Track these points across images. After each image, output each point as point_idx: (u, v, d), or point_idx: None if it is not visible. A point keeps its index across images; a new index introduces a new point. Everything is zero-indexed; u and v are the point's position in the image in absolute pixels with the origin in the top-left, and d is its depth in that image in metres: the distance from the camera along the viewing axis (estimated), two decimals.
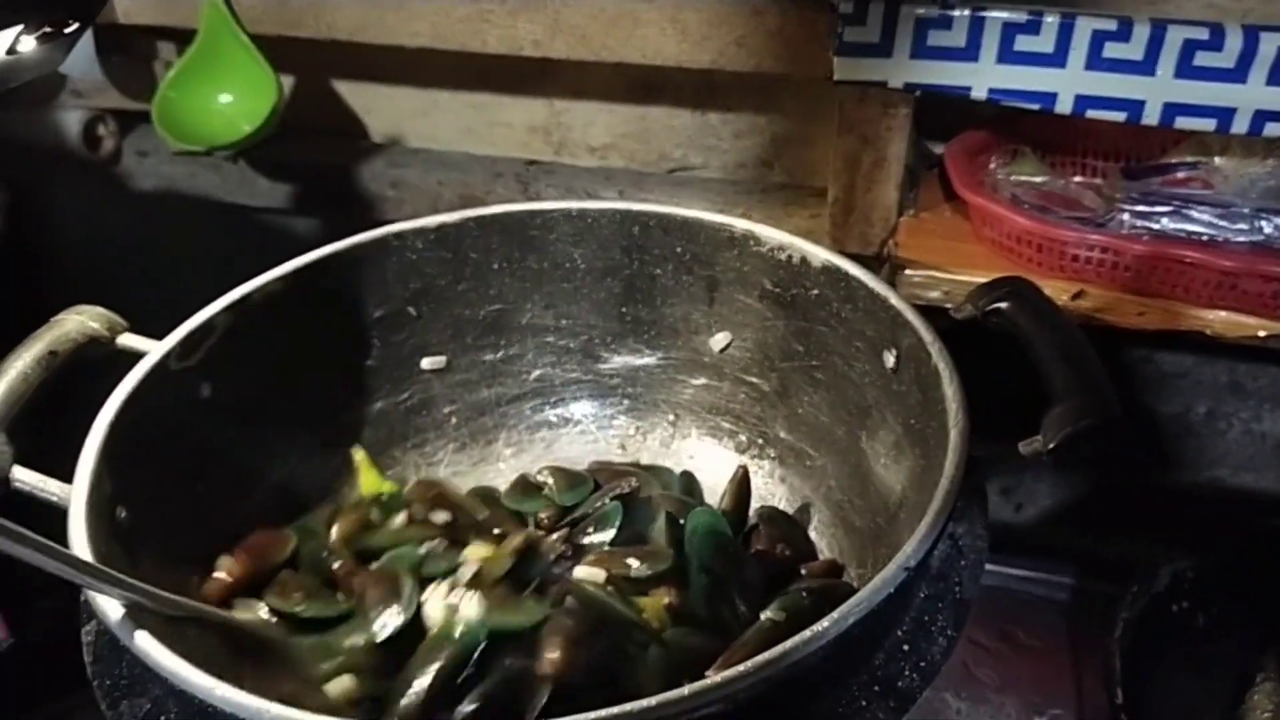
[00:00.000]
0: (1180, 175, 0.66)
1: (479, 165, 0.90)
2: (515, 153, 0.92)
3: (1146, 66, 0.61)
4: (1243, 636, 0.61)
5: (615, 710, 0.33)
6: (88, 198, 1.03)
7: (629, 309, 0.71)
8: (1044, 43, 0.61)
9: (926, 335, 0.52)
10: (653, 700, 0.33)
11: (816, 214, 0.79)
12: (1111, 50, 0.61)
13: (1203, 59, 0.59)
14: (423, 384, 0.71)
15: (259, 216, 1.01)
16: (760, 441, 0.69)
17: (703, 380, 0.71)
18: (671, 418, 0.72)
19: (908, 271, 0.70)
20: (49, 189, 1.03)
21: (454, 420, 0.72)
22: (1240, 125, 0.61)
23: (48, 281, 0.95)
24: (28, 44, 0.67)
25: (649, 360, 0.72)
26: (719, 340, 0.69)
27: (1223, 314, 0.64)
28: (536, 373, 0.73)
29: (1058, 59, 0.62)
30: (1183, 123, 0.62)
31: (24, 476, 0.47)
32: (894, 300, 0.56)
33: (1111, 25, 0.60)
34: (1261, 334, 0.63)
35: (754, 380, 0.68)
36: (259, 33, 0.80)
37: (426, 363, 0.70)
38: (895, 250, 0.73)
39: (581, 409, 0.73)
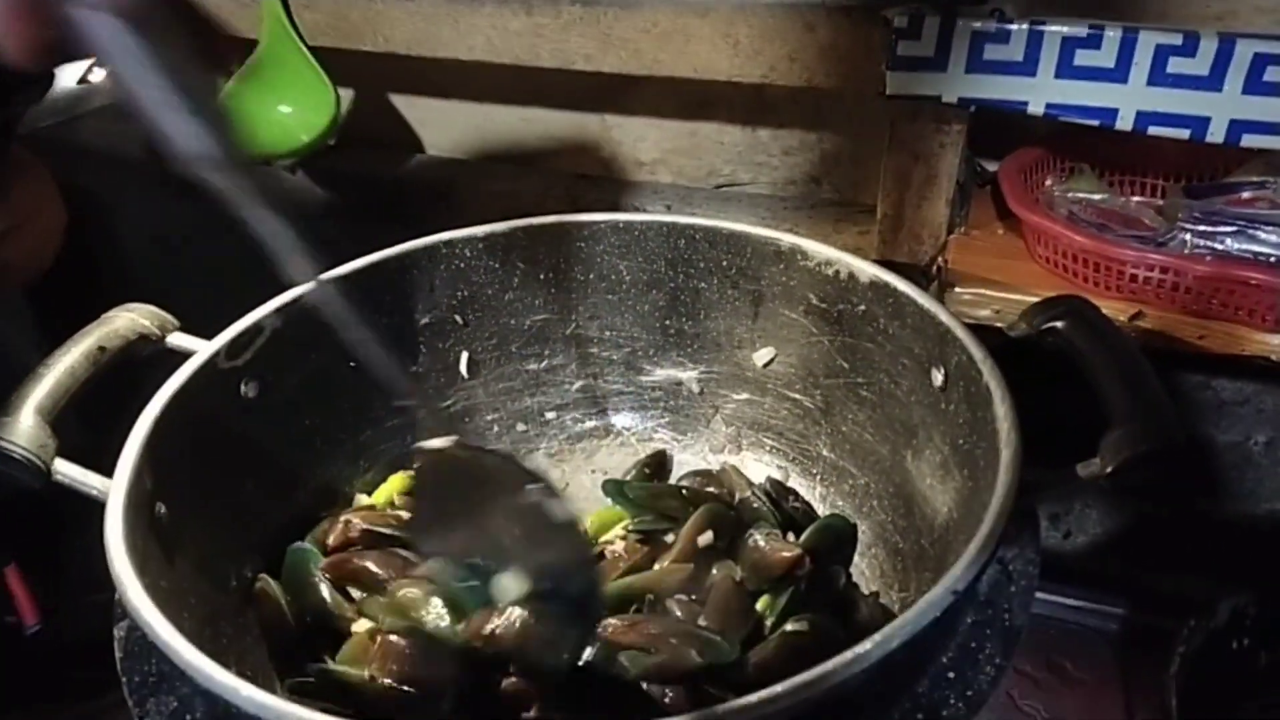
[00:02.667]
0: (1245, 195, 0.64)
1: (528, 178, 0.91)
2: (565, 166, 0.92)
3: (1213, 82, 0.59)
4: None
5: None
6: (151, 202, 1.05)
7: (673, 322, 0.71)
8: (1105, 57, 0.60)
9: (977, 353, 0.51)
10: (686, 718, 0.33)
11: (865, 231, 0.78)
12: (1176, 65, 0.59)
13: (1274, 74, 0.57)
14: (466, 390, 0.71)
15: (315, 225, 1.03)
16: (802, 459, 0.68)
17: (745, 395, 0.70)
18: (712, 433, 0.71)
19: (957, 289, 0.68)
20: (114, 193, 1.06)
21: (496, 428, 0.72)
22: None
23: (110, 283, 0.97)
24: (99, 74, 0.69)
25: (691, 374, 0.71)
26: (763, 355, 0.68)
27: None
28: (579, 383, 0.73)
29: (1119, 74, 0.60)
30: (1250, 140, 0.59)
31: (66, 469, 0.47)
32: (943, 317, 0.54)
33: (1176, 39, 0.58)
34: None
35: (797, 396, 0.67)
36: (318, 45, 0.81)
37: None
38: (945, 268, 0.71)
39: (623, 420, 0.73)
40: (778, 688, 0.33)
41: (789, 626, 0.51)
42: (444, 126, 0.94)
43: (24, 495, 0.47)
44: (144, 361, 0.57)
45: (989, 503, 0.42)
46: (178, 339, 0.57)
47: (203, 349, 0.55)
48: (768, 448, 0.70)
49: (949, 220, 0.72)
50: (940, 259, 0.72)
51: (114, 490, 0.45)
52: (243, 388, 0.57)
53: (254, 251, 1.01)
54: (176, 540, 0.49)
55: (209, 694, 0.39)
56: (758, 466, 0.69)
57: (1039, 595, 0.71)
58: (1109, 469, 0.42)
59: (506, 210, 0.88)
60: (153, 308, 0.57)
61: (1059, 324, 0.51)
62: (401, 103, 0.94)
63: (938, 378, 0.55)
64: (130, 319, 0.55)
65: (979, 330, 0.54)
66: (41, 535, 0.86)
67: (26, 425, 0.47)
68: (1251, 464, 0.86)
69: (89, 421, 0.53)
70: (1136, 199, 0.67)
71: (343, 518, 0.60)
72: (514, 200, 0.88)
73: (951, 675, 0.40)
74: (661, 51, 0.71)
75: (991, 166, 0.77)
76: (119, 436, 0.49)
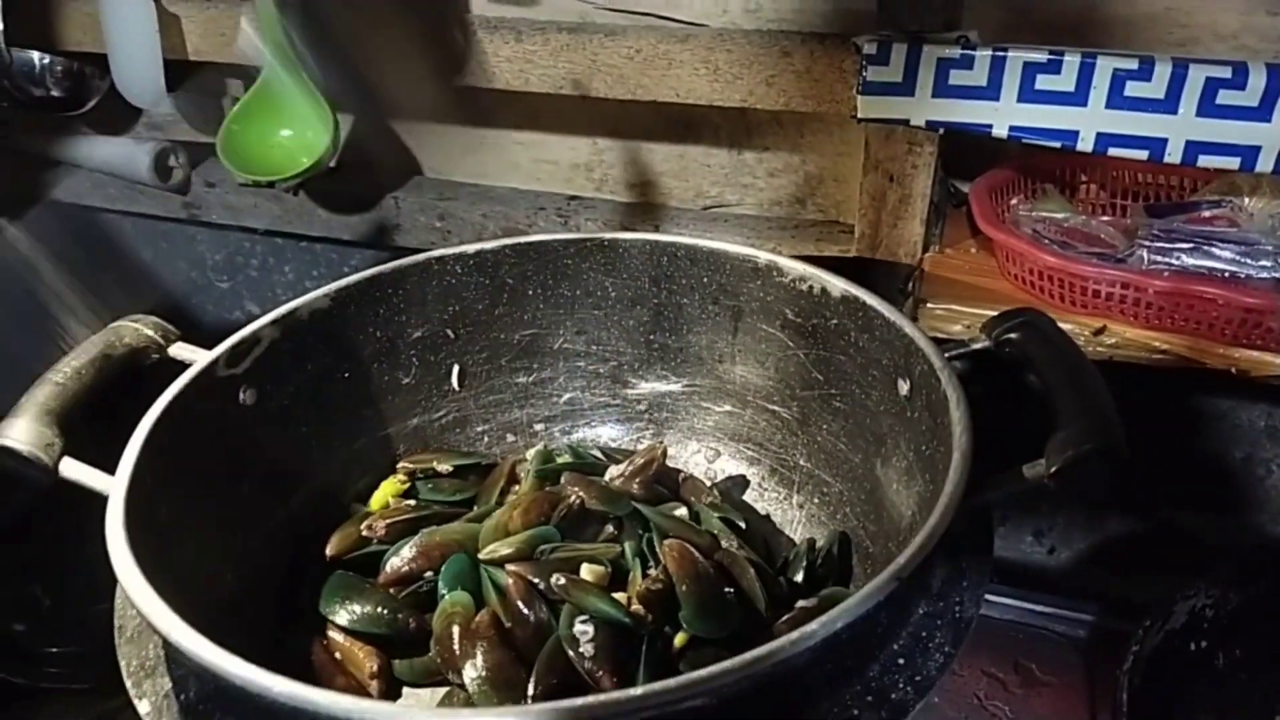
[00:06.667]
0: (1205, 214, 0.66)
1: (523, 199, 0.94)
2: (559, 188, 0.95)
3: (1169, 105, 0.61)
4: (1266, 678, 0.60)
5: (605, 698, 0.35)
6: (158, 223, 1.09)
7: (656, 337, 0.73)
8: (1065, 81, 0.63)
9: (937, 361, 0.53)
10: (639, 690, 0.35)
11: (846, 249, 0.81)
12: (1133, 89, 0.62)
13: (1225, 97, 0.60)
14: (458, 402, 0.73)
15: (315, 245, 1.06)
16: (782, 469, 0.70)
17: (727, 408, 0.73)
18: (695, 444, 0.74)
19: (930, 305, 0.71)
20: (123, 213, 1.10)
21: (486, 439, 0.75)
22: (1265, 164, 0.61)
23: (116, 300, 1.00)
24: None
25: (675, 387, 0.74)
26: (742, 369, 0.71)
27: (1248, 352, 0.63)
28: (567, 396, 0.75)
29: (1079, 98, 0.63)
30: (1206, 161, 0.62)
31: (72, 468, 0.50)
32: (908, 329, 0.57)
33: (1132, 64, 0.61)
34: None
35: (775, 408, 0.70)
36: None
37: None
38: (919, 284, 0.74)
39: (609, 432, 0.76)
40: (727, 663, 0.35)
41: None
42: (440, 150, 0.97)
43: (33, 494, 0.50)
44: (151, 375, 0.60)
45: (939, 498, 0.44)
46: (180, 349, 0.60)
47: (203, 357, 0.58)
48: (748, 458, 0.72)
49: (924, 239, 0.75)
50: (915, 276, 0.75)
51: (116, 484, 0.47)
52: (241, 394, 0.60)
53: (263, 273, 1.04)
54: (175, 539, 0.51)
55: (203, 674, 0.42)
56: (739, 478, 0.72)
57: (1011, 601, 0.74)
58: (1052, 469, 0.44)
59: (500, 229, 0.92)
60: (156, 318, 0.60)
61: (1014, 335, 0.54)
62: (400, 127, 0.97)
63: (904, 387, 0.58)
64: (135, 329, 0.58)
65: (949, 345, 0.57)
66: (48, 546, 0.88)
67: (33, 425, 0.49)
68: (1229, 479, 0.87)
69: (102, 437, 0.56)
70: (1102, 218, 0.70)
71: (364, 522, 0.63)
72: (508, 220, 0.91)
73: (902, 661, 0.42)
74: (644, 76, 0.74)
75: (966, 188, 0.80)
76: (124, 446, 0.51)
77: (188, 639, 0.38)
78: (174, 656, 0.45)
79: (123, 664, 0.46)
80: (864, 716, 0.40)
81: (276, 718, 0.39)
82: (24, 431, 0.49)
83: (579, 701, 0.35)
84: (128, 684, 0.45)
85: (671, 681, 0.35)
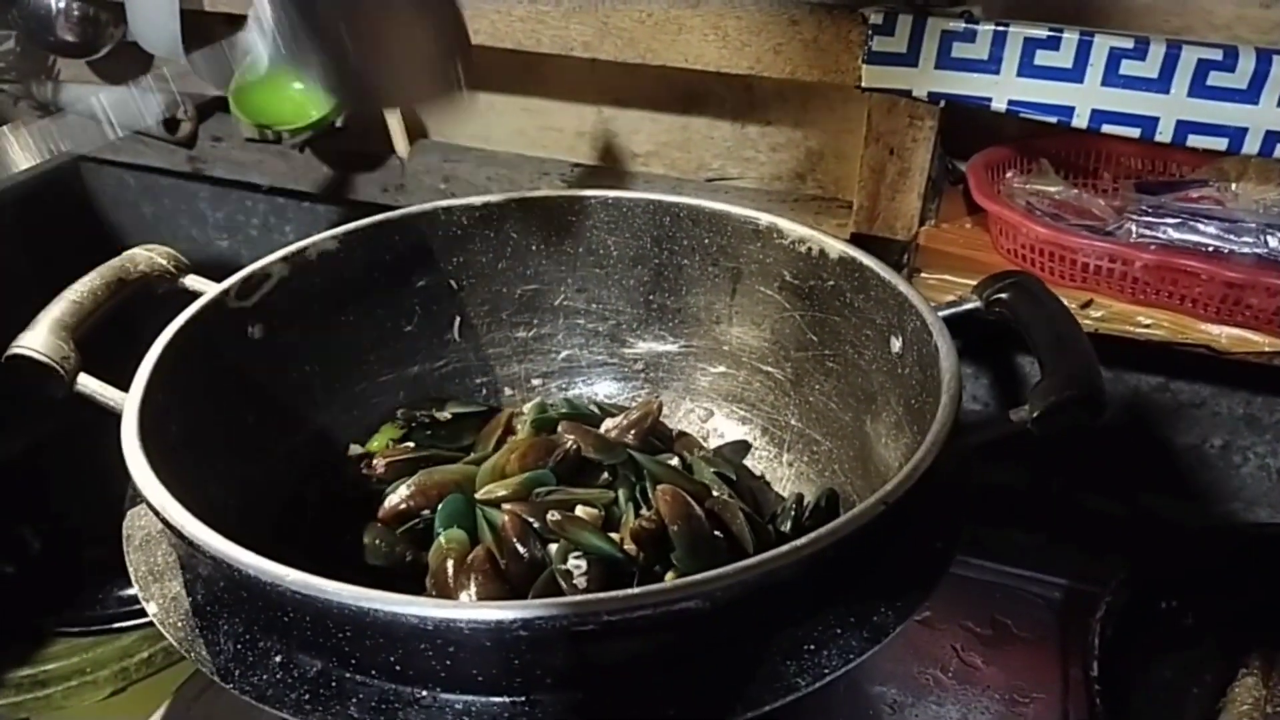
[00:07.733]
0: (1193, 193, 0.68)
1: (527, 164, 0.95)
2: (563, 155, 0.96)
3: (1161, 84, 0.63)
4: (1232, 637, 0.62)
5: (603, 595, 0.36)
6: (162, 177, 1.10)
7: (656, 297, 0.75)
8: (1063, 58, 0.64)
9: (929, 316, 0.55)
10: (635, 589, 0.36)
11: (843, 223, 0.83)
12: (1128, 68, 0.63)
13: (1216, 79, 0.62)
14: (458, 353, 0.75)
15: (318, 205, 1.07)
16: (773, 428, 0.72)
17: (722, 368, 0.74)
18: (689, 403, 0.76)
19: (924, 275, 0.73)
20: (127, 165, 1.10)
21: (484, 391, 0.76)
22: (1252, 145, 0.63)
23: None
24: None
25: (672, 347, 0.76)
26: (738, 331, 0.72)
27: (1230, 329, 0.65)
28: (565, 352, 0.77)
29: (1076, 74, 0.64)
30: (1195, 141, 0.64)
31: (88, 382, 0.51)
32: (902, 287, 0.59)
33: (1128, 43, 0.63)
34: (1268, 349, 0.65)
35: (770, 369, 0.71)
36: None
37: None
38: (914, 255, 0.75)
39: (605, 389, 0.77)
40: (719, 570, 0.37)
41: None
42: (449, 114, 0.98)
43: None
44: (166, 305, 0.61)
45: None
46: (192, 280, 0.61)
47: (214, 288, 0.59)
48: (741, 418, 0.74)
49: (920, 212, 0.77)
50: (910, 248, 0.77)
51: (129, 399, 0.49)
52: (250, 329, 0.61)
53: (264, 229, 1.04)
54: (182, 458, 0.52)
55: (211, 577, 0.43)
56: (732, 436, 0.73)
57: (990, 564, 0.75)
58: (1035, 414, 0.46)
59: (505, 193, 0.93)
60: (169, 249, 0.61)
61: (1004, 295, 0.56)
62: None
63: (896, 344, 0.59)
64: (148, 256, 0.59)
65: (941, 306, 0.58)
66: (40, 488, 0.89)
67: (50, 337, 0.51)
68: (1207, 466, 0.89)
69: (115, 364, 0.57)
70: (1093, 194, 0.72)
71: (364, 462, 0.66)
72: (512, 184, 0.92)
73: (884, 588, 0.44)
74: (655, 40, 0.76)
75: (964, 166, 0.82)
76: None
77: (202, 533, 0.40)
78: (183, 560, 0.46)
79: (131, 570, 0.47)
80: (846, 634, 0.42)
81: (282, 614, 0.40)
82: (42, 342, 0.50)
83: (579, 598, 0.36)
84: (136, 589, 0.46)
85: (665, 583, 0.37)
